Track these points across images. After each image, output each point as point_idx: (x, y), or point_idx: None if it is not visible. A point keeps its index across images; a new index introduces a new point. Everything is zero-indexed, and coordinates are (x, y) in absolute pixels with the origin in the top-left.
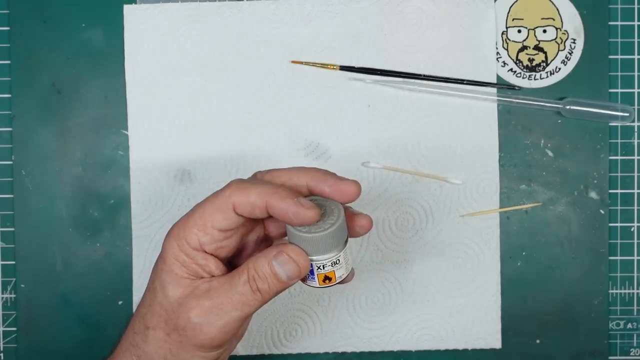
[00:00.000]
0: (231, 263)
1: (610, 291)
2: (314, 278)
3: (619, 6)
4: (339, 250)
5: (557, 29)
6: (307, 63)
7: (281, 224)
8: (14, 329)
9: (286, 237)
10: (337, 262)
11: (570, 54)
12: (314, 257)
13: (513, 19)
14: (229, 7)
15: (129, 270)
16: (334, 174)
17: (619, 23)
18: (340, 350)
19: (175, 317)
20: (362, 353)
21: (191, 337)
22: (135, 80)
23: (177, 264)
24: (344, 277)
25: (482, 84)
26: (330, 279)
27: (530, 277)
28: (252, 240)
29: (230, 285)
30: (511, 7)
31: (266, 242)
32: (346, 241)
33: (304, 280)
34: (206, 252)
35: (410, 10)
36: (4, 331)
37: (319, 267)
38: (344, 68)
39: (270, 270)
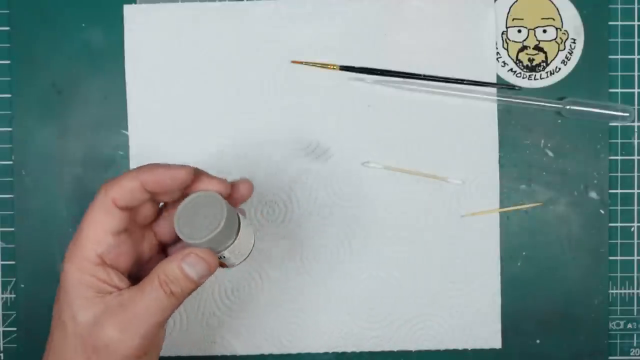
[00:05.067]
0: (133, 278)
1: (610, 291)
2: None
3: (619, 6)
4: (236, 236)
5: (557, 29)
6: (307, 63)
7: (171, 227)
8: (14, 329)
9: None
10: (235, 247)
11: (570, 54)
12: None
13: (513, 19)
14: (229, 7)
15: None
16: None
17: (619, 23)
18: (340, 350)
19: (93, 338)
20: (362, 353)
21: (114, 352)
22: (135, 80)
23: (81, 287)
24: (247, 253)
25: (482, 84)
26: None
27: (530, 277)
28: (147, 249)
29: (143, 294)
30: (511, 7)
31: (162, 252)
32: (239, 224)
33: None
34: (106, 265)
35: (410, 10)
36: (4, 331)
37: (221, 257)
38: (344, 68)
39: (181, 273)
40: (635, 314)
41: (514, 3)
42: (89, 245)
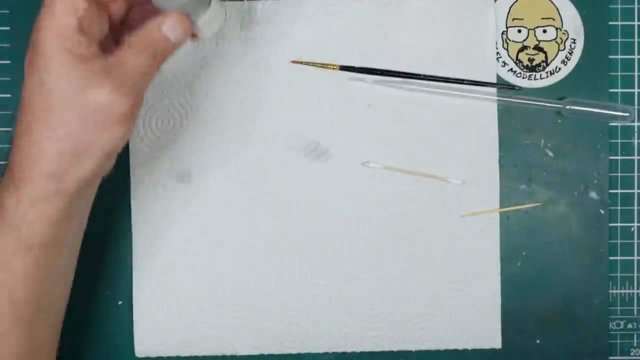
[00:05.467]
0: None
1: (610, 291)
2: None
3: (619, 6)
4: (208, 5)
5: (557, 29)
6: (307, 63)
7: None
8: None
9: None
10: (208, 16)
11: (570, 54)
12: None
13: (513, 19)
14: (228, 7)
15: (129, 270)
16: None
17: (619, 23)
18: (340, 350)
19: (87, 101)
20: (362, 353)
21: (106, 113)
22: None
23: (63, 54)
24: (217, 26)
25: (482, 84)
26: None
27: (530, 277)
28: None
29: (128, 59)
30: (511, 7)
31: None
32: None
33: (193, 36)
34: (85, 32)
35: (410, 10)
36: None
37: (195, 27)
38: (344, 68)
39: (161, 34)
40: (635, 314)
41: (514, 3)
42: (65, 9)
